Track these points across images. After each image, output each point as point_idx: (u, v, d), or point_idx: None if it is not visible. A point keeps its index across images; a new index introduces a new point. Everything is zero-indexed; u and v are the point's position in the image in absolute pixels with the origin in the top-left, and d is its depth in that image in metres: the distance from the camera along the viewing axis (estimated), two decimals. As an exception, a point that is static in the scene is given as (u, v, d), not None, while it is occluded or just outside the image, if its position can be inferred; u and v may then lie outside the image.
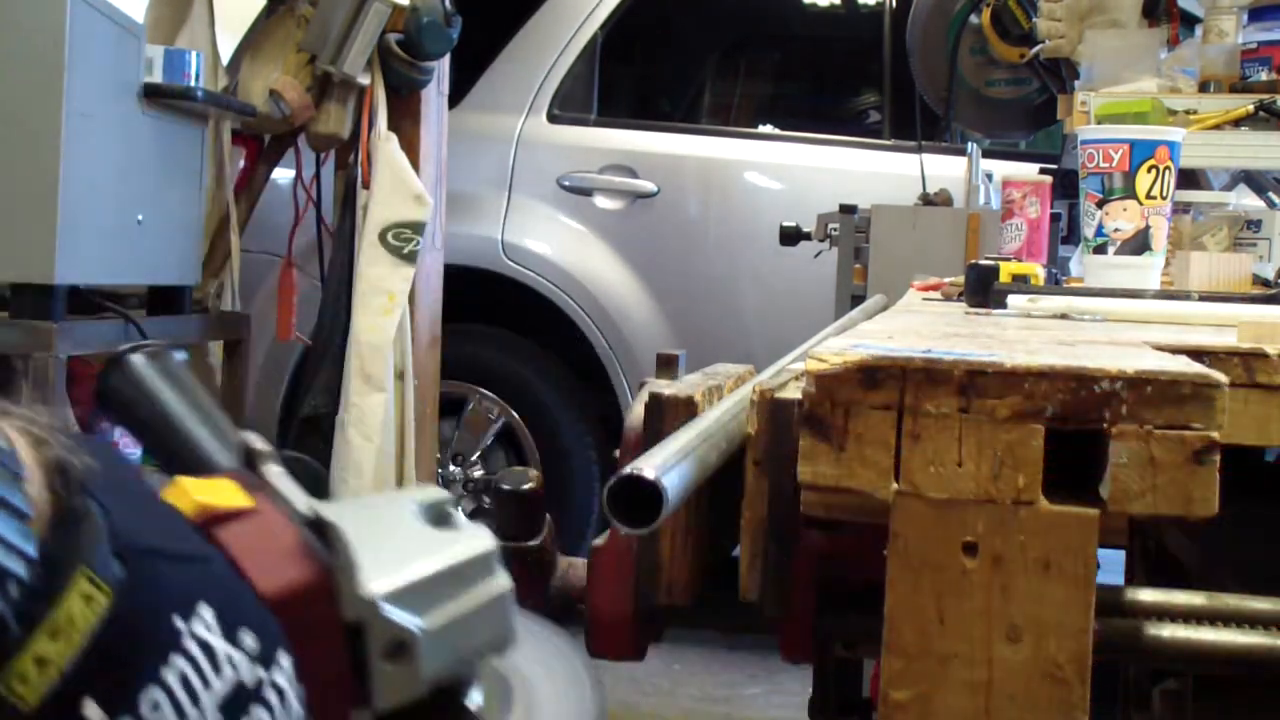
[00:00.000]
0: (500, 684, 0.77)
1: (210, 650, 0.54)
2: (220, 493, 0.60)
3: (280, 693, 0.56)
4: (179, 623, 0.53)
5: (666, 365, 1.28)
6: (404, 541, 0.63)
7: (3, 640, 0.49)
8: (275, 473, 0.65)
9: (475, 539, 0.64)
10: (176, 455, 0.67)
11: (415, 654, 0.60)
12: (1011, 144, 4.01)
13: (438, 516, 0.65)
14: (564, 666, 0.82)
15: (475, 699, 0.67)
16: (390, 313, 2.87)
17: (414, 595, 0.60)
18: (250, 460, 0.66)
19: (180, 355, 0.81)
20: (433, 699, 0.62)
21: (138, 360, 0.70)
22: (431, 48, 2.89)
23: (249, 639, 0.55)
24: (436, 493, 0.68)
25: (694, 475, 0.85)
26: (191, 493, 0.59)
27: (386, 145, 2.89)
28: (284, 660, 0.56)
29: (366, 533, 0.61)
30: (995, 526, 0.78)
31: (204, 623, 0.54)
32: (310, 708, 0.58)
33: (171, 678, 0.53)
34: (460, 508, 0.68)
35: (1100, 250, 1.76)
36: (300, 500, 0.63)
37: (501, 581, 0.65)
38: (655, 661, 3.55)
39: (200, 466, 0.65)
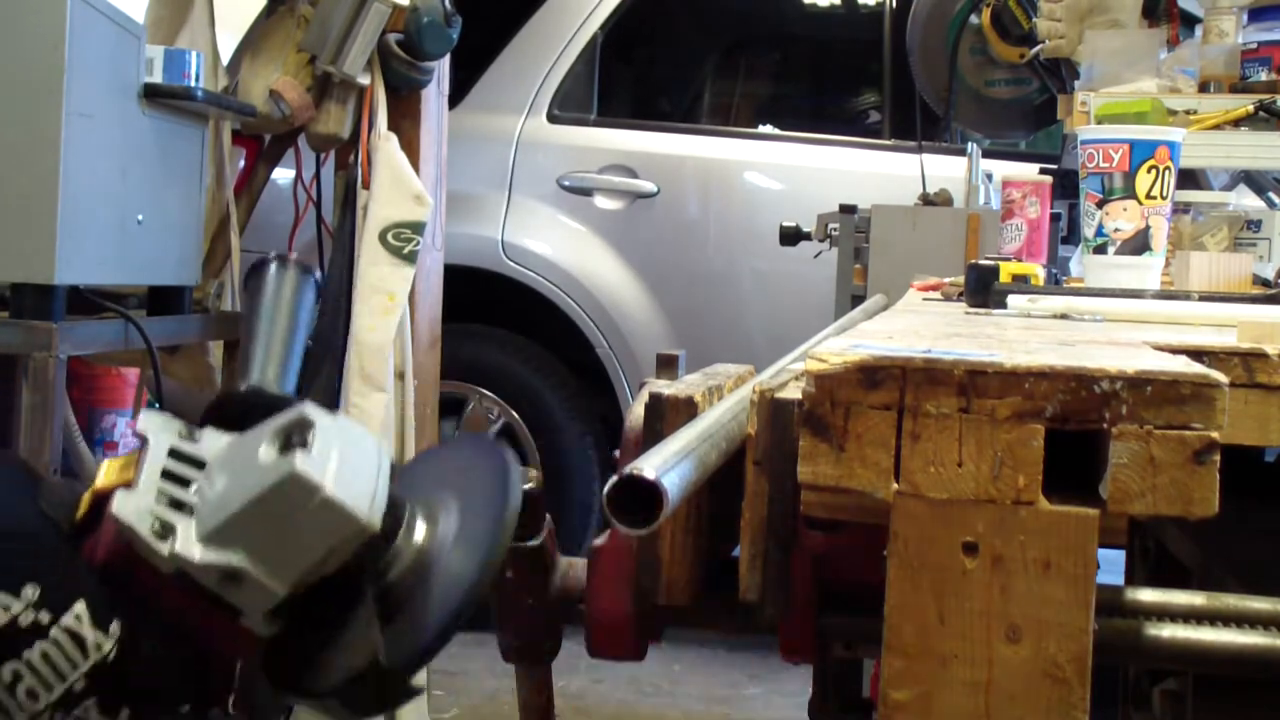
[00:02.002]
0: (433, 500, 0.85)
1: None
2: (113, 471, 0.78)
3: (71, 633, 0.72)
4: None
5: (666, 365, 1.28)
6: (238, 483, 0.76)
7: None
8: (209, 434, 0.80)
9: (283, 466, 0.75)
10: (240, 355, 0.91)
11: (246, 576, 0.73)
12: (1011, 144, 4.01)
13: (285, 441, 0.76)
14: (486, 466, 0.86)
15: (418, 531, 0.80)
16: (390, 313, 2.87)
17: (228, 532, 0.74)
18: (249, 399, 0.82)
19: (308, 274, 1.04)
20: (335, 579, 0.75)
21: (270, 268, 0.93)
22: (431, 48, 2.89)
23: (29, 590, 0.71)
24: (294, 415, 0.78)
25: (694, 475, 0.85)
26: (102, 474, 0.78)
27: (386, 145, 2.89)
28: (79, 606, 0.72)
29: (219, 481, 0.76)
30: (995, 526, 0.78)
31: None
32: (184, 629, 0.74)
33: None
34: (318, 427, 0.77)
35: (1100, 250, 1.76)
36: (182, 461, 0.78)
37: (319, 496, 0.74)
38: (655, 661, 3.55)
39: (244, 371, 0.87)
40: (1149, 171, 1.72)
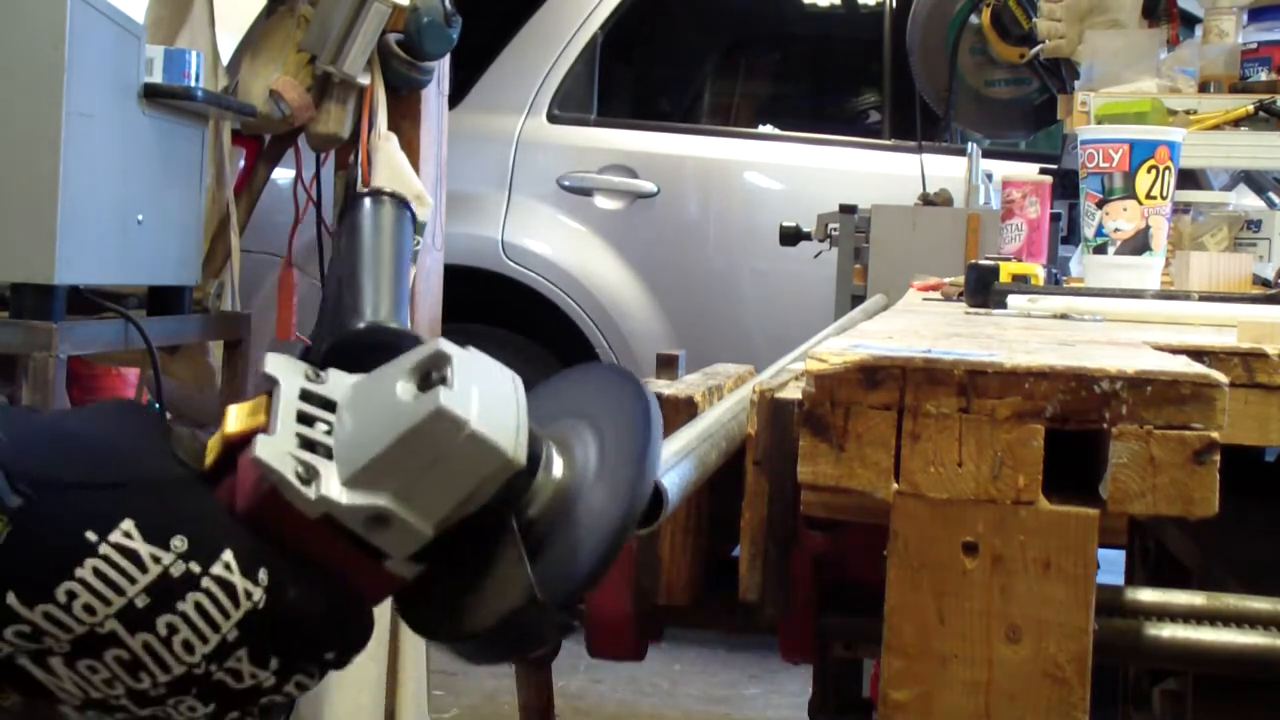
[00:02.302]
0: (568, 433, 0.82)
1: (132, 553, 0.68)
2: (243, 417, 0.75)
3: (221, 581, 0.70)
4: (91, 535, 0.68)
5: (666, 365, 1.28)
6: (377, 423, 0.74)
7: None
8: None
9: (426, 404, 0.73)
10: (342, 297, 0.87)
11: (393, 517, 0.71)
12: (1011, 144, 4.01)
13: (423, 378, 0.74)
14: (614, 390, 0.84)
15: (556, 465, 0.78)
16: (390, 313, 2.87)
17: (373, 474, 0.71)
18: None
19: (404, 207, 1.01)
20: (477, 519, 0.73)
21: (365, 203, 0.90)
22: (431, 48, 2.89)
23: (178, 541, 0.69)
24: (430, 351, 0.76)
25: (694, 475, 0.85)
26: (231, 420, 0.75)
27: (386, 145, 2.89)
28: (226, 555, 0.70)
29: (352, 422, 0.74)
30: (995, 526, 0.78)
31: (123, 533, 0.68)
32: (329, 573, 0.72)
33: (87, 575, 0.67)
34: (456, 361, 0.75)
35: (1100, 250, 1.76)
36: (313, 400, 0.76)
37: (466, 430, 0.72)
38: (655, 661, 3.55)
39: (351, 312, 0.85)
40: (1149, 171, 1.72)
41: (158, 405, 2.69)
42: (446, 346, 0.76)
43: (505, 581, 0.74)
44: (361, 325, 0.85)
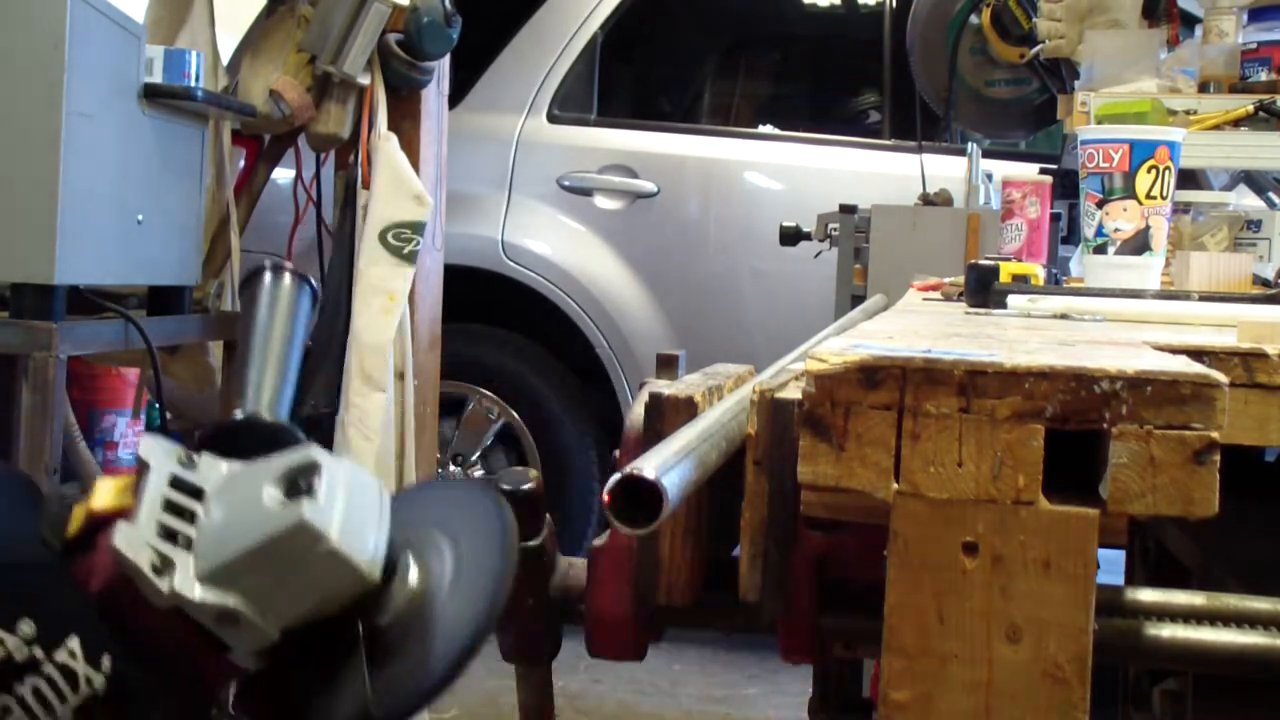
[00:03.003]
0: (425, 543, 0.85)
1: None
2: (111, 493, 0.78)
3: (63, 668, 0.71)
4: None
5: (666, 365, 1.28)
6: (240, 522, 0.76)
7: None
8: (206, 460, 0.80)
9: (290, 514, 0.75)
10: (234, 374, 0.90)
11: (241, 617, 0.74)
12: (1011, 144, 4.01)
13: (290, 484, 0.76)
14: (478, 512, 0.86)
15: (411, 575, 0.80)
16: (390, 313, 2.87)
17: (228, 573, 0.74)
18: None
19: (304, 283, 1.02)
20: (326, 622, 0.75)
21: (265, 277, 0.93)
22: (431, 48, 2.89)
23: (25, 626, 0.71)
24: (301, 458, 0.78)
25: (694, 475, 0.85)
26: (94, 497, 0.77)
27: (386, 145, 2.89)
28: (72, 643, 0.72)
29: (217, 514, 0.76)
30: (995, 526, 0.78)
31: None
32: (173, 661, 0.74)
33: None
34: (324, 472, 0.77)
35: (1100, 250, 1.76)
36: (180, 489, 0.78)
37: (324, 545, 0.75)
38: (655, 661, 3.55)
39: (240, 393, 0.87)
40: (1149, 171, 1.72)
41: (158, 405, 2.69)
42: (317, 454, 0.78)
43: (344, 691, 0.76)
44: (239, 415, 0.88)
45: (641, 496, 0.76)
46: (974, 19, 3.42)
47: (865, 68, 4.29)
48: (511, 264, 3.91)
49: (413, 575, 0.80)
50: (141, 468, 0.78)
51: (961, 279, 1.71)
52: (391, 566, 0.78)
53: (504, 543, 0.80)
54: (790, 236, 3.20)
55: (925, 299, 1.89)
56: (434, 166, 3.10)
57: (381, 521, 0.78)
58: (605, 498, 0.77)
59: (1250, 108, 2.37)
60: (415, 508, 0.86)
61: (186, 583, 0.74)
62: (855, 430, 0.80)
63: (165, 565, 0.74)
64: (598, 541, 1.17)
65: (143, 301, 2.65)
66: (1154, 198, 1.73)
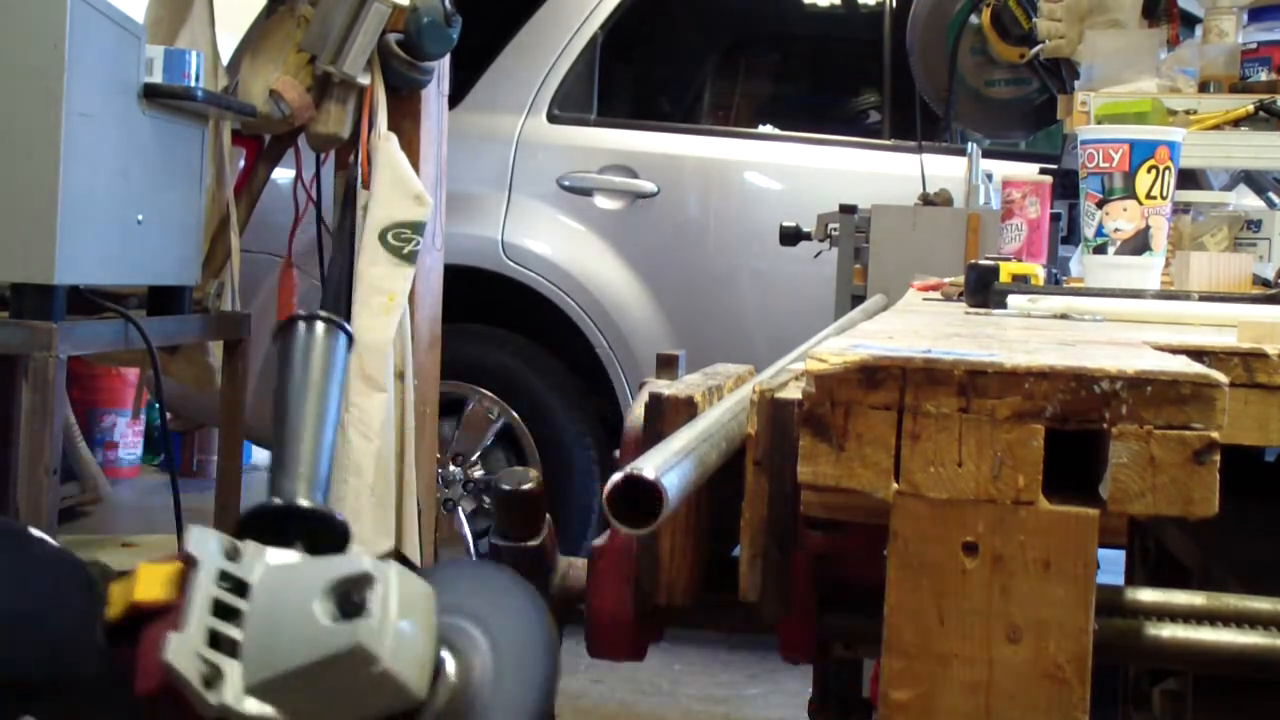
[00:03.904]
0: (462, 640, 0.83)
1: None
2: (155, 584, 0.76)
3: None
4: None
5: (666, 365, 1.28)
6: (289, 634, 0.75)
7: None
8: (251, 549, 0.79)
9: (343, 636, 0.74)
10: (274, 443, 0.88)
11: None
12: (1011, 144, 4.01)
13: (343, 600, 0.75)
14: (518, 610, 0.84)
15: (449, 668, 0.78)
16: (390, 313, 2.87)
17: (276, 688, 0.73)
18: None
19: (338, 333, 0.99)
20: None
21: (298, 329, 0.91)
22: (431, 48, 2.89)
23: None
24: (353, 568, 0.76)
25: (694, 475, 0.85)
26: (137, 584, 0.76)
27: (386, 145, 2.89)
28: None
29: (264, 617, 0.75)
30: (995, 526, 0.78)
31: None
32: None
33: None
34: (377, 585, 0.75)
35: (1100, 250, 1.76)
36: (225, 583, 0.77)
37: (377, 668, 0.73)
38: (655, 661, 3.55)
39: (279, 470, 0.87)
40: (1149, 171, 1.72)
41: (158, 405, 2.69)
42: (368, 565, 0.76)
43: None
44: (278, 502, 0.87)
45: (641, 496, 0.76)
46: (974, 19, 3.42)
47: (865, 68, 4.29)
48: (511, 264, 3.91)
49: (450, 669, 0.79)
50: (189, 562, 0.77)
51: (961, 279, 1.71)
52: (435, 670, 0.78)
53: (548, 643, 0.79)
54: (790, 236, 3.20)
55: (925, 299, 1.89)
56: (434, 166, 3.10)
57: (430, 635, 0.77)
58: (605, 498, 0.77)
59: (1250, 108, 2.37)
60: (446, 591, 0.83)
61: (236, 696, 0.73)
62: (855, 430, 0.80)
63: (214, 676, 0.73)
64: (598, 541, 1.17)
65: (143, 301, 2.65)
66: (1154, 198, 1.73)
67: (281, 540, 0.81)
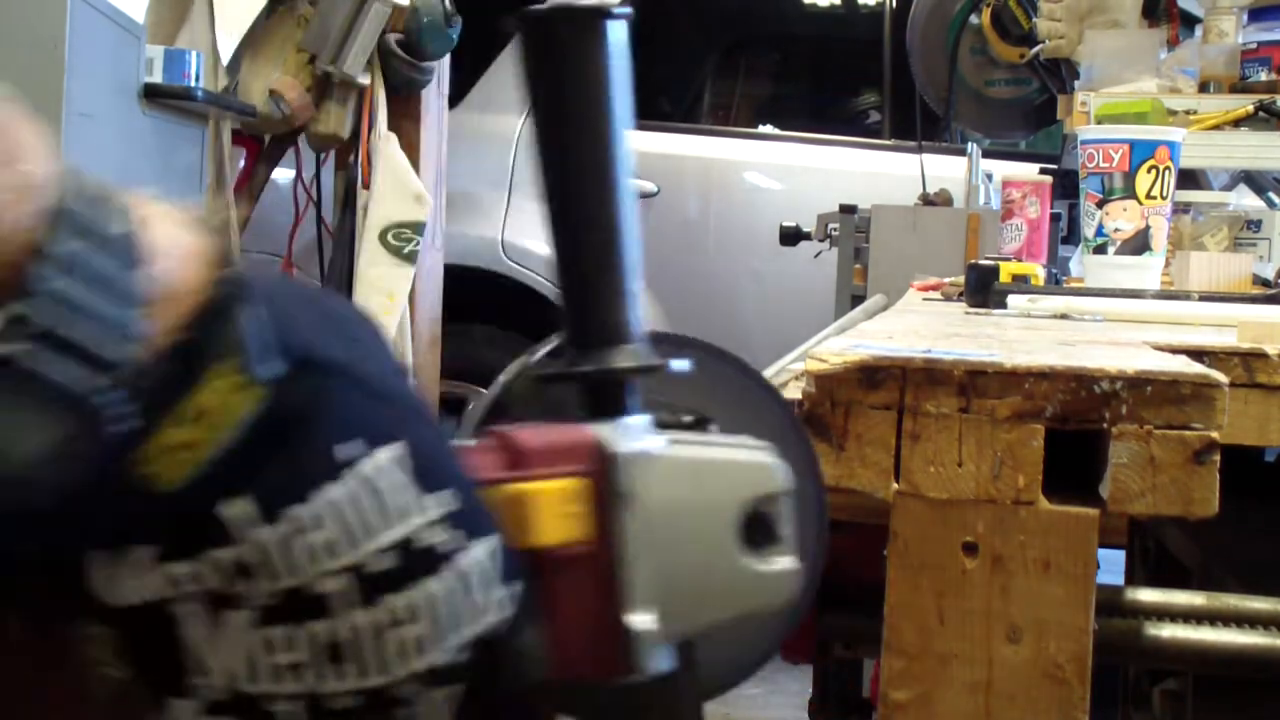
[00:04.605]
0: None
1: (398, 489, 0.48)
2: (561, 518, 0.54)
3: (482, 572, 0.49)
4: (354, 449, 0.47)
5: (666, 365, 1.28)
6: (699, 565, 0.58)
7: (131, 427, 0.44)
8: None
9: (776, 589, 0.59)
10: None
11: (677, 682, 0.58)
12: (1011, 144, 4.01)
13: (755, 531, 0.59)
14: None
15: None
16: (390, 312, 2.87)
17: (687, 630, 0.58)
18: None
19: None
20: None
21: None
22: (431, 48, 2.89)
23: (448, 497, 0.49)
24: (765, 476, 0.59)
25: (694, 475, 0.85)
26: (536, 525, 0.54)
27: (386, 145, 2.89)
28: (494, 541, 0.50)
29: (665, 559, 0.57)
30: (995, 526, 0.78)
31: (394, 459, 0.48)
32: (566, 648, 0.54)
33: (340, 498, 0.47)
34: (783, 500, 0.59)
35: (1100, 250, 1.76)
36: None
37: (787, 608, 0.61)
38: (655, 661, 3.54)
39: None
40: (1149, 171, 1.72)
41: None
42: (780, 474, 0.59)
43: None
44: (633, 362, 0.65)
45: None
46: (974, 19, 3.42)
47: (865, 68, 4.29)
48: (511, 264, 3.91)
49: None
50: (601, 476, 0.57)
51: (961, 279, 1.71)
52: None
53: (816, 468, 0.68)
54: (790, 236, 3.20)
55: (925, 299, 1.89)
56: (434, 166, 3.10)
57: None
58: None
59: (1250, 108, 2.37)
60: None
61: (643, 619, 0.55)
62: (855, 430, 0.80)
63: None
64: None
65: (143, 301, 2.65)
66: (1154, 198, 1.73)
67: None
